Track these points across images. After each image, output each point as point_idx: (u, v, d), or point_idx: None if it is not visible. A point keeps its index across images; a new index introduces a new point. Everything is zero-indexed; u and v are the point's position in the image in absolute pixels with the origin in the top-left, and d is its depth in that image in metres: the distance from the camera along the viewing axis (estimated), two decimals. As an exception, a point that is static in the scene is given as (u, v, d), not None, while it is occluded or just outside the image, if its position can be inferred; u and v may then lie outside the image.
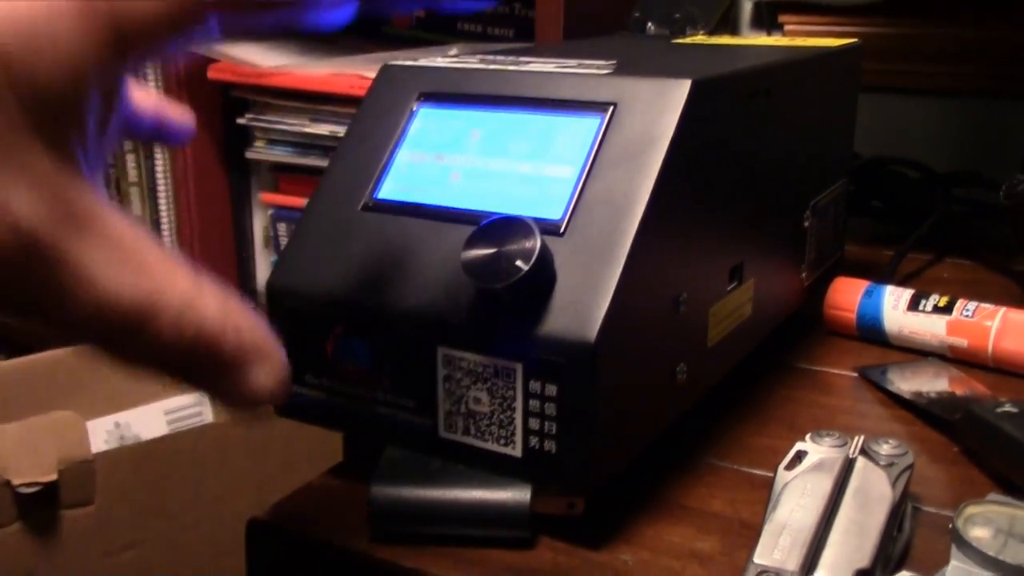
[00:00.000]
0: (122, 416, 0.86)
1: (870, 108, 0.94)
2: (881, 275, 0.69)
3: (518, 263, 0.38)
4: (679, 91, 0.42)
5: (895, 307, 0.61)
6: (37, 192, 0.25)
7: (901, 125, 1.01)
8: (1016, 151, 0.84)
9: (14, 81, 0.24)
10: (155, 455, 0.85)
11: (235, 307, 0.29)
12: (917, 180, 0.87)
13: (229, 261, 0.92)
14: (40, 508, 0.85)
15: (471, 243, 0.39)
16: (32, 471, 0.82)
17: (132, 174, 0.92)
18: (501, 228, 0.39)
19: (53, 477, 0.82)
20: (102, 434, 0.87)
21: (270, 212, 0.87)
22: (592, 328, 0.38)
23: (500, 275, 0.38)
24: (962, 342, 0.58)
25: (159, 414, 0.86)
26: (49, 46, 0.24)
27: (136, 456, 0.85)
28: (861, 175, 0.85)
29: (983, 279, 0.75)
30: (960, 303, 0.59)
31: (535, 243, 0.38)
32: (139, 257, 0.27)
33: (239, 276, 0.93)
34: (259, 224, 0.93)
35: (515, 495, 0.40)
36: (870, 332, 0.62)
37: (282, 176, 0.87)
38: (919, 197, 0.85)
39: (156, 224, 0.87)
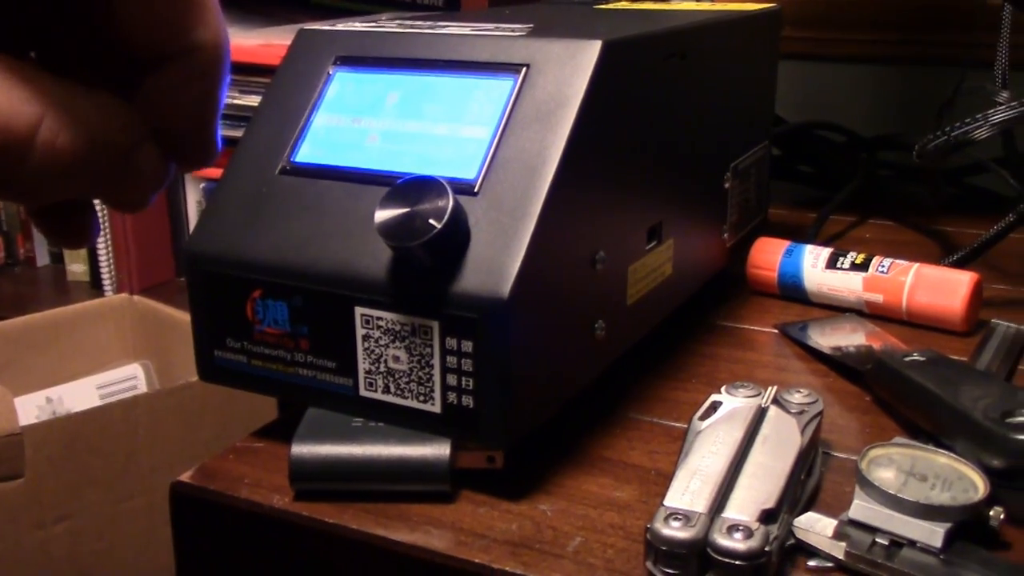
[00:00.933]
0: (54, 391, 0.85)
1: (797, 75, 0.96)
2: (804, 237, 0.71)
3: (431, 221, 0.38)
4: (590, 52, 0.43)
5: (814, 265, 0.62)
6: None
7: (827, 92, 1.03)
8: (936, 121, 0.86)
9: None
10: (86, 427, 0.84)
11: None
12: (843, 144, 0.89)
13: (163, 236, 0.91)
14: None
15: (385, 203, 0.39)
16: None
17: (61, 150, 0.91)
18: (414, 188, 0.39)
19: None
20: (33, 409, 0.86)
21: (202, 186, 0.86)
22: (505, 284, 0.39)
23: (414, 234, 0.38)
24: (878, 297, 0.60)
25: (91, 389, 0.86)
26: None
27: (67, 428, 0.84)
28: (788, 140, 0.87)
29: (904, 239, 0.77)
30: (876, 260, 0.61)
31: (448, 202, 0.38)
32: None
33: (173, 250, 0.92)
34: (192, 198, 0.92)
35: (435, 450, 0.41)
36: (791, 290, 0.63)
37: (214, 149, 0.87)
38: (845, 161, 0.87)
39: (87, 200, 0.86)
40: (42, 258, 0.99)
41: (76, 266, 0.95)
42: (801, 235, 0.70)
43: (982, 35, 0.74)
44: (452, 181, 0.40)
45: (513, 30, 0.47)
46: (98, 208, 0.86)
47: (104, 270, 0.89)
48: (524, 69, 0.43)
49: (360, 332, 0.41)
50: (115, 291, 0.89)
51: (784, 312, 0.62)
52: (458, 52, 0.45)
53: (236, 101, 0.82)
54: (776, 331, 0.60)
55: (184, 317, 0.74)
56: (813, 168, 0.89)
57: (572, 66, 0.43)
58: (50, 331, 0.77)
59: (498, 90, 0.43)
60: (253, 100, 0.82)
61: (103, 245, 0.87)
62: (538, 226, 0.40)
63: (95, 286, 0.91)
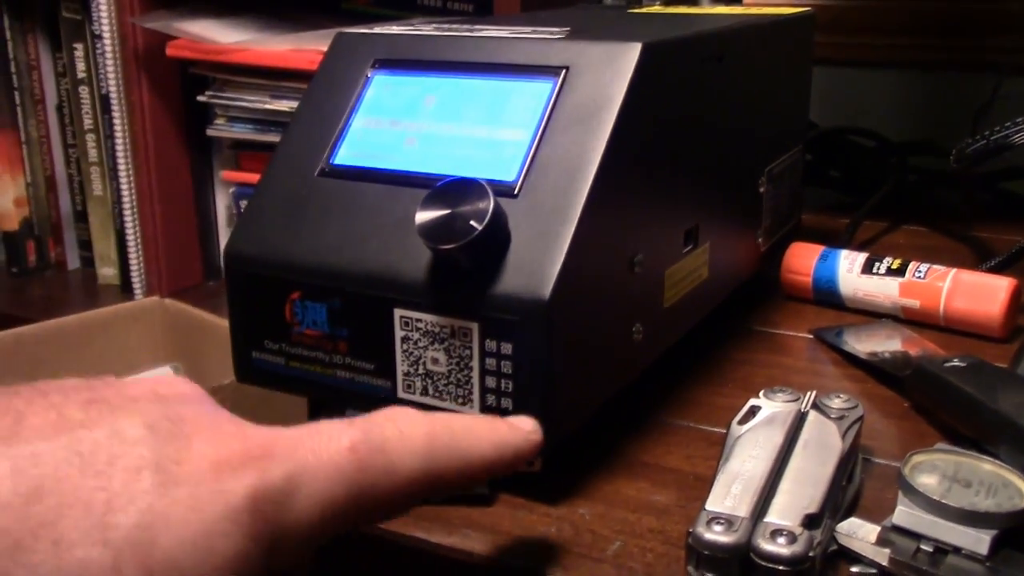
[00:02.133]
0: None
1: (829, 80, 0.96)
2: (838, 242, 0.70)
3: (472, 223, 0.38)
4: (630, 54, 0.43)
5: (849, 270, 0.62)
6: None
7: (859, 97, 1.02)
8: (970, 121, 0.85)
9: None
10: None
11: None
12: (874, 150, 0.88)
13: (192, 240, 0.92)
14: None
15: (425, 205, 0.39)
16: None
17: (92, 154, 0.91)
18: (455, 190, 0.39)
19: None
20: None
21: (232, 190, 0.86)
22: (546, 286, 0.38)
23: (454, 236, 0.38)
24: (914, 303, 0.59)
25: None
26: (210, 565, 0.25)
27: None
28: (819, 146, 0.86)
29: (937, 245, 0.77)
30: (912, 265, 0.60)
31: (488, 203, 0.38)
32: None
33: (202, 255, 0.93)
34: (222, 203, 0.92)
35: (474, 453, 0.41)
36: (826, 295, 0.63)
37: (243, 154, 0.87)
38: (876, 166, 0.86)
39: (118, 204, 0.87)
40: (73, 262, 1.00)
41: (107, 270, 0.95)
42: (833, 240, 0.70)
43: (1018, 40, 0.74)
44: (492, 183, 0.40)
45: (551, 33, 0.46)
46: (128, 212, 0.86)
47: (134, 273, 0.90)
48: (563, 71, 0.43)
49: (399, 334, 0.41)
50: (145, 294, 0.90)
51: (819, 317, 0.62)
52: (497, 55, 0.45)
53: (267, 106, 0.82)
54: (811, 336, 0.59)
55: (214, 320, 0.75)
56: (843, 173, 0.88)
57: (612, 68, 0.43)
58: (81, 334, 0.77)
59: (537, 92, 0.43)
60: (283, 105, 0.82)
61: (133, 249, 0.87)
62: (578, 228, 0.40)
63: (125, 289, 0.92)
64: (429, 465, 0.31)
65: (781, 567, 0.35)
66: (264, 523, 0.26)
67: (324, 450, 0.28)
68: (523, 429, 0.35)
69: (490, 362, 0.40)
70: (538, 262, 0.39)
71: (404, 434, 0.31)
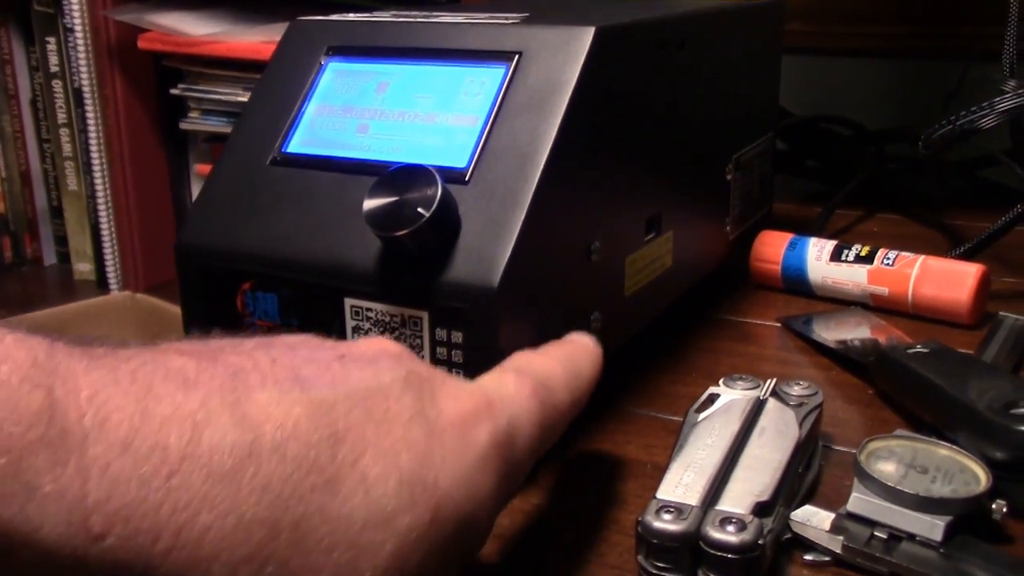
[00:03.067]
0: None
1: (803, 69, 0.95)
2: (811, 230, 0.70)
3: (419, 210, 0.38)
4: (583, 39, 0.42)
5: (818, 258, 0.61)
6: None
7: (834, 85, 1.02)
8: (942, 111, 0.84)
9: (455, 563, 0.29)
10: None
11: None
12: (850, 138, 0.88)
13: (168, 235, 0.91)
14: None
15: (373, 193, 0.39)
16: None
17: (67, 148, 0.91)
18: (403, 177, 0.39)
19: None
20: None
21: (207, 176, 0.86)
22: (495, 274, 0.38)
23: (402, 223, 0.38)
24: (883, 290, 0.59)
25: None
26: (482, 523, 0.30)
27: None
28: (794, 134, 0.86)
29: (912, 232, 0.76)
30: (881, 252, 0.60)
31: (436, 190, 0.38)
32: None
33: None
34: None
35: (426, 443, 0.40)
36: (795, 283, 0.63)
37: (217, 147, 0.86)
38: (852, 155, 0.86)
39: (92, 199, 0.86)
40: (49, 257, 0.99)
41: (83, 265, 0.95)
42: (807, 229, 0.70)
43: (988, 27, 0.73)
44: (443, 170, 0.39)
45: (507, 18, 0.46)
46: (102, 208, 0.86)
47: (110, 269, 0.89)
48: (516, 57, 0.43)
49: (350, 324, 0.41)
50: (121, 290, 0.89)
51: (788, 306, 0.61)
52: (450, 40, 0.44)
53: (240, 99, 0.82)
54: (779, 325, 0.59)
55: (186, 314, 0.74)
56: (819, 162, 0.88)
57: (564, 53, 0.42)
58: (54, 328, 0.76)
59: (490, 78, 0.43)
60: (256, 97, 0.81)
61: (108, 244, 0.86)
62: (529, 215, 0.39)
63: (101, 285, 0.91)
64: (573, 395, 0.35)
65: (729, 555, 0.35)
66: (504, 462, 0.30)
67: (519, 397, 0.32)
68: (587, 342, 0.38)
69: (441, 351, 0.39)
70: (488, 249, 0.39)
71: (551, 371, 0.35)
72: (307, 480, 0.26)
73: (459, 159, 0.41)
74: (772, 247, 0.63)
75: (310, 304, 0.41)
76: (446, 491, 0.28)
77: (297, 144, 0.44)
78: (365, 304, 0.40)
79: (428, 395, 0.30)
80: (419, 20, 0.46)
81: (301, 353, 0.29)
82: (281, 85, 0.46)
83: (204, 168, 0.88)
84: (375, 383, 0.29)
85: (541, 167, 0.40)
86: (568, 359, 0.36)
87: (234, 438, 0.25)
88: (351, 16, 0.49)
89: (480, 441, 0.30)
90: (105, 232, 0.86)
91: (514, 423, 0.31)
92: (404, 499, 0.27)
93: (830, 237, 0.67)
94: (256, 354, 0.28)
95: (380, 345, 0.31)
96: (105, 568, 0.23)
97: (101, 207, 0.86)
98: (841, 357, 0.53)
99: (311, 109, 0.45)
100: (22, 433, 0.22)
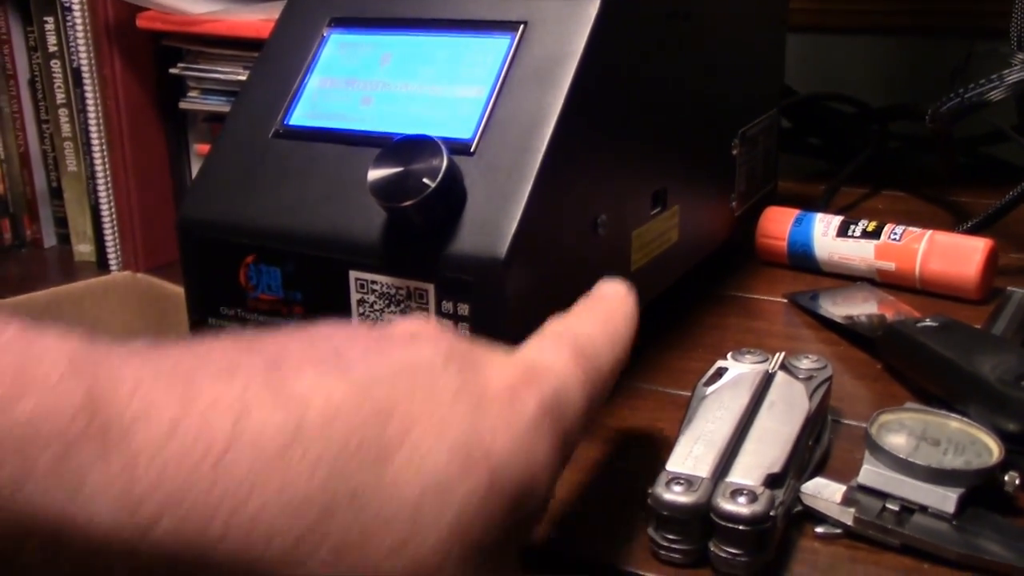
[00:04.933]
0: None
1: (807, 46, 0.94)
2: (816, 206, 0.69)
3: (425, 181, 0.37)
4: (589, 9, 0.42)
5: (825, 233, 0.61)
6: None
7: (837, 62, 1.01)
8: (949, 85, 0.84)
9: (516, 532, 0.29)
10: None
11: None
12: (853, 115, 0.87)
13: (168, 215, 0.91)
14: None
15: (378, 163, 0.38)
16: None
17: (66, 129, 0.90)
18: (408, 147, 0.38)
19: None
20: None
21: (209, 149, 0.85)
22: (501, 245, 0.38)
23: (407, 193, 0.37)
24: (890, 265, 0.59)
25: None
26: (539, 490, 0.30)
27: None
28: (798, 112, 0.85)
29: (917, 209, 0.76)
30: (888, 227, 0.59)
31: (442, 160, 0.37)
32: None
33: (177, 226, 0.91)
34: (197, 177, 0.91)
35: (432, 417, 0.40)
36: (801, 259, 0.62)
37: (216, 126, 0.86)
38: (856, 132, 0.85)
39: (92, 180, 0.86)
40: (49, 239, 0.99)
41: (83, 246, 0.94)
42: (811, 207, 0.69)
43: (994, 3, 0.73)
44: (448, 141, 0.39)
45: (511, -12, 0.45)
46: (102, 188, 0.85)
47: (110, 250, 0.89)
48: (521, 27, 0.42)
49: (355, 296, 0.40)
50: (121, 271, 0.89)
51: (794, 282, 0.61)
52: (454, 10, 0.44)
53: (239, 77, 0.81)
54: (786, 301, 0.58)
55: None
56: (823, 140, 0.87)
57: (571, 23, 0.42)
58: (52, 308, 0.76)
59: (495, 48, 0.42)
60: (256, 76, 0.81)
61: (108, 225, 0.86)
62: (535, 187, 0.39)
63: (102, 266, 0.91)
64: (615, 354, 0.35)
65: (741, 527, 0.34)
66: (554, 429, 0.30)
67: (560, 363, 0.32)
68: (619, 292, 0.38)
69: (447, 323, 0.39)
70: (494, 221, 0.38)
71: (590, 333, 0.34)
72: (356, 457, 0.25)
73: (464, 130, 0.40)
74: (778, 223, 0.63)
75: (314, 277, 0.41)
76: (500, 459, 0.28)
77: (300, 116, 0.44)
78: (370, 277, 0.40)
79: (471, 368, 0.30)
80: (422, -9, 0.46)
81: (338, 337, 0.29)
82: (283, 57, 0.46)
83: (204, 148, 0.88)
84: (416, 359, 0.29)
85: (547, 138, 0.39)
86: (605, 318, 0.36)
87: (279, 421, 0.25)
88: (353, -13, 0.48)
89: (529, 409, 0.30)
90: (105, 213, 0.86)
91: (560, 390, 0.31)
92: (458, 469, 0.27)
93: (835, 214, 0.66)
94: (293, 341, 0.28)
95: (417, 324, 0.31)
96: (159, 558, 0.23)
97: (101, 188, 0.85)
98: (848, 332, 0.53)
99: (313, 81, 0.44)
100: (66, 426, 0.22)
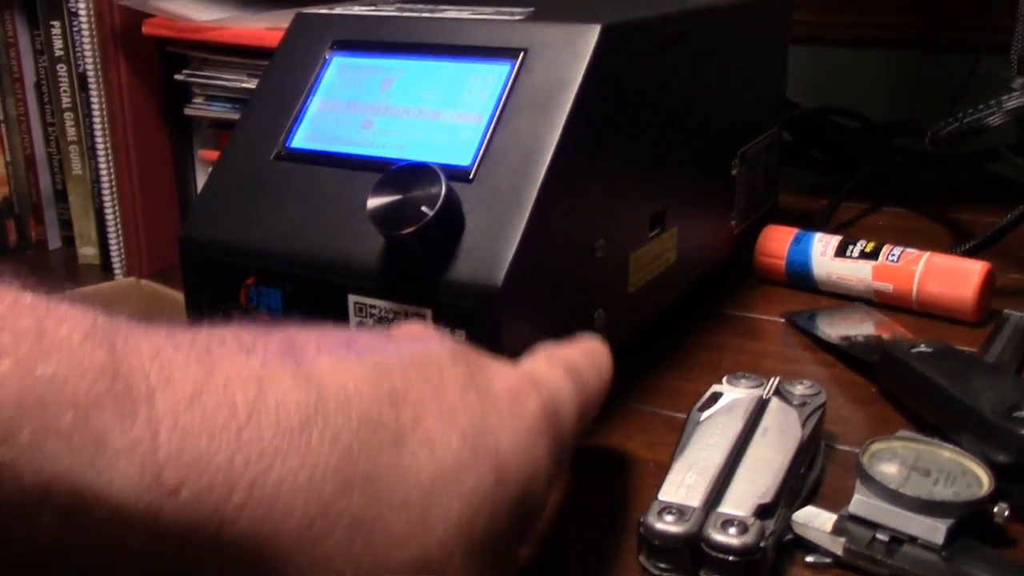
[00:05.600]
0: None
1: (809, 60, 0.95)
2: (816, 224, 0.70)
3: (423, 209, 0.38)
4: (589, 36, 0.42)
5: (823, 253, 0.61)
6: None
7: (841, 76, 1.01)
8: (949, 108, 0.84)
9: (518, 528, 0.29)
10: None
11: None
12: (856, 130, 0.87)
13: (172, 220, 0.91)
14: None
15: (377, 191, 0.39)
16: None
17: (71, 133, 0.90)
18: (407, 175, 0.39)
19: None
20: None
21: (211, 170, 0.86)
22: (499, 273, 0.38)
23: (405, 221, 0.38)
24: (887, 287, 0.59)
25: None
26: (540, 491, 0.30)
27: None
28: (800, 126, 0.85)
29: (917, 227, 0.76)
30: (886, 248, 0.60)
31: (440, 188, 0.38)
32: None
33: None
34: (202, 182, 0.92)
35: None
36: (799, 279, 0.62)
37: (222, 133, 0.86)
38: (858, 147, 0.85)
39: (97, 183, 0.86)
40: (54, 241, 0.99)
41: (87, 249, 0.95)
42: (812, 223, 0.69)
43: (998, 20, 0.73)
44: (447, 168, 0.39)
45: (512, 14, 0.46)
46: (107, 192, 0.86)
47: (114, 253, 0.89)
48: (521, 54, 0.42)
49: (354, 320, 0.41)
50: (125, 274, 0.89)
51: (792, 301, 0.61)
52: (455, 37, 0.44)
53: (244, 85, 0.81)
54: (783, 320, 0.59)
55: (190, 302, 0.74)
56: (825, 154, 0.87)
57: (570, 51, 0.42)
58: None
59: (495, 75, 0.42)
60: (260, 84, 0.81)
61: (113, 228, 0.86)
62: (533, 214, 0.39)
63: (106, 269, 0.91)
64: (599, 384, 0.36)
65: (731, 557, 0.35)
66: (553, 434, 0.31)
67: (556, 377, 0.33)
68: (597, 343, 0.39)
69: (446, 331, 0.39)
70: (492, 248, 0.39)
71: (576, 358, 0.35)
72: (374, 437, 0.25)
73: (463, 157, 0.41)
74: (777, 242, 0.63)
75: (314, 300, 0.41)
76: (507, 453, 0.28)
77: (301, 139, 0.44)
78: (369, 301, 0.40)
79: (476, 366, 0.30)
80: (424, 15, 0.46)
81: (346, 332, 0.30)
82: (285, 79, 0.46)
83: (208, 154, 0.88)
84: (425, 354, 0.29)
85: (546, 165, 0.40)
86: (588, 351, 0.37)
87: (298, 396, 0.25)
88: (356, 10, 0.49)
89: (531, 410, 0.30)
90: (109, 216, 0.86)
91: (557, 399, 0.32)
92: (468, 459, 0.27)
93: (835, 231, 0.67)
94: (304, 331, 0.28)
95: (419, 327, 0.33)
96: (180, 526, 0.22)
97: (105, 191, 0.86)
98: (845, 354, 0.53)
99: (315, 104, 0.45)
100: (88, 387, 0.21)
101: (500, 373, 0.31)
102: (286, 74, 0.46)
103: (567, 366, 0.34)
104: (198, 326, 0.26)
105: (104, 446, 0.21)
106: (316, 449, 0.24)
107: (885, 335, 0.55)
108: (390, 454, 0.26)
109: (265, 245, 0.42)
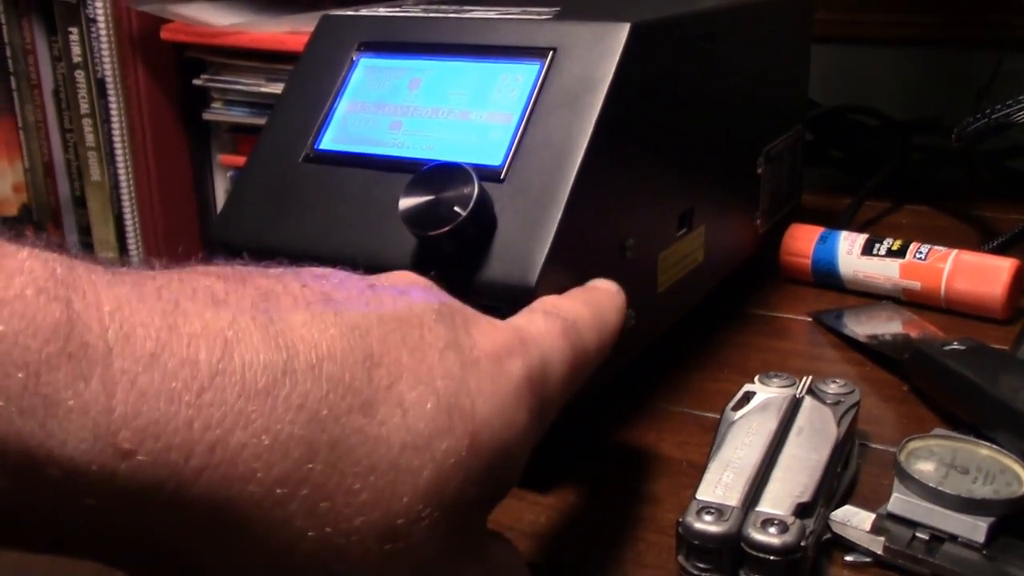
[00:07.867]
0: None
1: (830, 58, 0.94)
2: (838, 223, 0.69)
3: (456, 209, 0.37)
4: (618, 35, 0.42)
5: (849, 252, 0.61)
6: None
7: (861, 74, 1.01)
8: (974, 98, 0.84)
9: (489, 495, 0.29)
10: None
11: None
12: (876, 128, 0.87)
13: (192, 225, 0.91)
14: None
15: (409, 191, 0.38)
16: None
17: (89, 139, 0.91)
18: (439, 175, 0.38)
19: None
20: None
21: (230, 174, 0.86)
22: (532, 273, 0.38)
23: (438, 222, 0.38)
24: (915, 284, 0.59)
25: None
26: (516, 456, 0.29)
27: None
28: (821, 124, 0.85)
29: (941, 225, 0.75)
30: (913, 246, 0.59)
31: (473, 189, 0.38)
32: None
33: (202, 240, 0.92)
34: (220, 187, 0.92)
35: (462, 442, 0.40)
36: (825, 277, 0.62)
37: (240, 137, 0.86)
38: (879, 145, 0.85)
39: (116, 189, 0.86)
40: (72, 247, 0.99)
41: (106, 255, 0.95)
42: (834, 221, 0.69)
43: (1022, 17, 0.72)
44: (478, 168, 0.39)
45: (539, 13, 0.46)
46: (126, 198, 0.86)
47: (133, 259, 0.89)
48: (551, 53, 0.42)
49: (385, 322, 0.40)
50: (144, 280, 0.89)
51: (818, 300, 0.61)
52: (483, 36, 0.44)
53: (263, 89, 0.82)
54: (810, 319, 0.58)
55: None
56: (845, 152, 0.87)
57: (599, 49, 0.42)
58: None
59: (524, 75, 0.42)
60: (280, 88, 0.81)
61: (132, 234, 0.87)
62: (565, 213, 0.39)
63: (124, 275, 0.90)
64: (601, 337, 0.35)
65: (772, 557, 0.34)
66: (537, 397, 0.30)
67: (549, 336, 0.32)
68: (611, 288, 0.38)
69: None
70: (524, 248, 0.38)
71: (579, 313, 0.34)
72: (344, 401, 0.25)
73: (494, 157, 0.41)
74: (802, 241, 0.63)
75: (345, 302, 0.41)
76: (483, 419, 0.28)
77: (329, 141, 0.44)
78: (400, 303, 0.40)
79: (461, 326, 0.29)
80: (451, 16, 0.46)
81: (331, 280, 0.29)
82: (312, 81, 0.46)
83: (227, 159, 0.88)
84: (408, 311, 0.28)
85: (577, 165, 0.40)
86: (594, 303, 0.36)
87: (267, 357, 0.24)
88: (381, 11, 0.49)
89: (514, 374, 0.29)
90: (128, 222, 0.86)
91: (546, 360, 0.31)
92: (442, 424, 0.26)
93: (858, 230, 0.66)
94: (286, 278, 0.27)
95: (410, 277, 0.31)
96: (135, 487, 0.22)
97: (124, 197, 0.86)
98: (874, 353, 0.53)
99: (343, 106, 0.45)
100: (40, 347, 0.21)
101: (487, 331, 0.30)
102: (313, 76, 0.46)
103: (565, 322, 0.33)
104: (170, 271, 0.25)
105: (56, 407, 0.21)
106: (281, 413, 0.23)
107: (913, 333, 0.55)
108: (359, 419, 0.25)
109: (294, 247, 0.42)
